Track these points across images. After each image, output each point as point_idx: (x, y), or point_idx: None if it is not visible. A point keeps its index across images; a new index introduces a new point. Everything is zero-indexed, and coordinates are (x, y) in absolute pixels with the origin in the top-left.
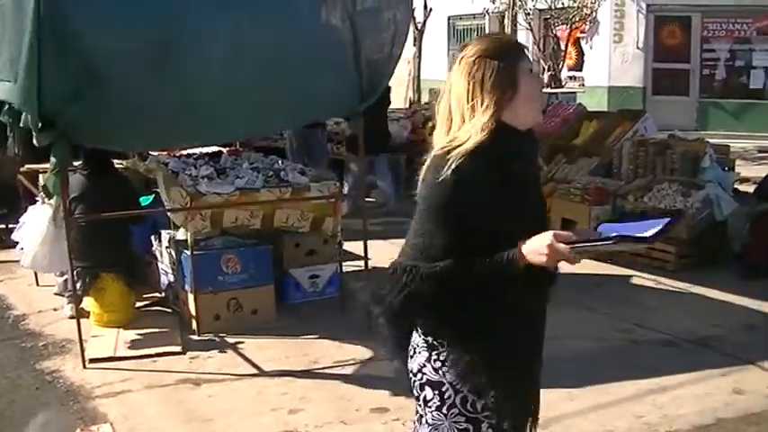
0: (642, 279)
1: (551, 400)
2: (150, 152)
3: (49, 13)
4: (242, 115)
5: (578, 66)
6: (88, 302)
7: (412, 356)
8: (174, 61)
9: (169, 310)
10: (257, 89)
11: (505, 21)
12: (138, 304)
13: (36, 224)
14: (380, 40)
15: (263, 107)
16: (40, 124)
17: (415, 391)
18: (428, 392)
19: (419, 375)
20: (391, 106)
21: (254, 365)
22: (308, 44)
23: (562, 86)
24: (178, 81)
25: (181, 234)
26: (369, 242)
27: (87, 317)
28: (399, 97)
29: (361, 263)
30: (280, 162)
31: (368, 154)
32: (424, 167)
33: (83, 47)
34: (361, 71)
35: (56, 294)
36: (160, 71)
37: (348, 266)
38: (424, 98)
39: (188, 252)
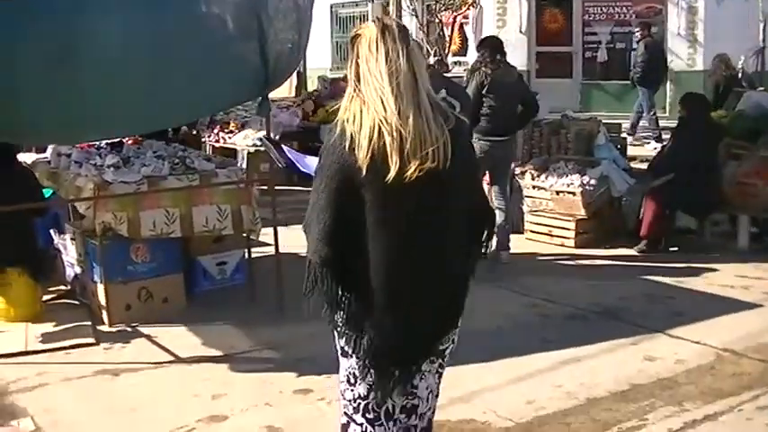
0: (545, 256)
1: (469, 375)
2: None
3: None
4: (140, 111)
5: (463, 51)
6: None
7: None
8: (72, 59)
9: (77, 303)
10: (154, 84)
11: (390, 7)
12: (45, 298)
13: None
14: (286, 28)
15: (162, 102)
16: None
17: None
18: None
19: None
20: (277, 94)
21: (171, 353)
22: (206, 37)
23: (449, 71)
24: (75, 79)
25: (87, 224)
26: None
27: None
28: (284, 86)
29: (266, 249)
30: (183, 150)
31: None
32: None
33: None
34: (267, 61)
35: None
36: (58, 69)
37: (255, 253)
38: (311, 86)
39: (96, 243)
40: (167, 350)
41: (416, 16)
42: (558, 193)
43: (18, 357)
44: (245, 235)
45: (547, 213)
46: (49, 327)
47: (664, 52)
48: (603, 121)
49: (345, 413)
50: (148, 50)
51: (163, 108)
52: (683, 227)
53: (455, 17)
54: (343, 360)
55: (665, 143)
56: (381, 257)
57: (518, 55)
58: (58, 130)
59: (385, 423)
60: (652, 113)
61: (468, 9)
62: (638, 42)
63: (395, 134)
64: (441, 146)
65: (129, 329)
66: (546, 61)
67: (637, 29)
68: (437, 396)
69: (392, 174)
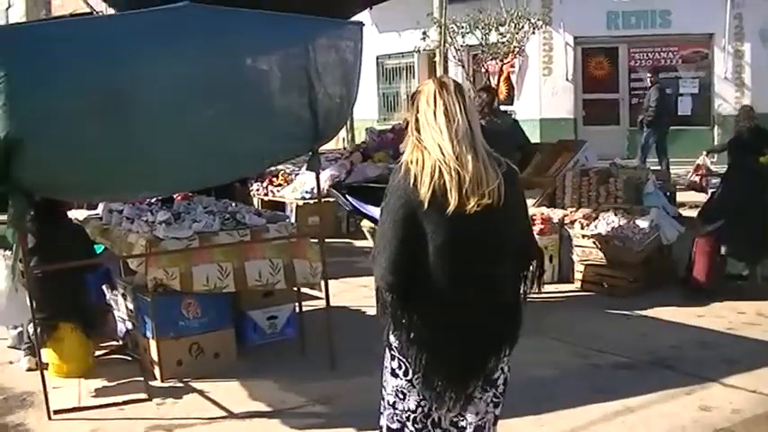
0: (593, 304)
1: (521, 427)
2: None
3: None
4: (191, 166)
5: (509, 100)
6: (47, 354)
7: None
8: (122, 112)
9: (129, 358)
10: (205, 140)
11: (436, 58)
12: (97, 353)
13: None
14: (334, 83)
15: (214, 158)
16: None
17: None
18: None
19: None
20: (325, 147)
21: (224, 409)
22: (257, 92)
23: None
24: (126, 133)
25: (139, 280)
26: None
27: (46, 369)
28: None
29: (316, 302)
30: (233, 204)
31: None
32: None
33: (30, 96)
34: (317, 115)
35: (9, 347)
36: (107, 123)
37: (305, 306)
38: (359, 138)
39: (148, 298)
40: (220, 405)
41: (462, 66)
42: (607, 241)
43: (72, 413)
44: (295, 289)
45: (597, 262)
46: (101, 382)
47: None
48: (653, 167)
49: (397, 420)
50: (199, 104)
51: (215, 163)
52: (734, 273)
53: (501, 66)
54: (391, 378)
55: (714, 189)
56: (441, 284)
57: (564, 102)
58: (108, 187)
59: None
60: (644, 156)
61: (515, 58)
62: (648, 88)
63: (453, 174)
64: (496, 186)
65: (180, 385)
66: (593, 108)
67: (649, 74)
68: (494, 425)
69: (451, 208)
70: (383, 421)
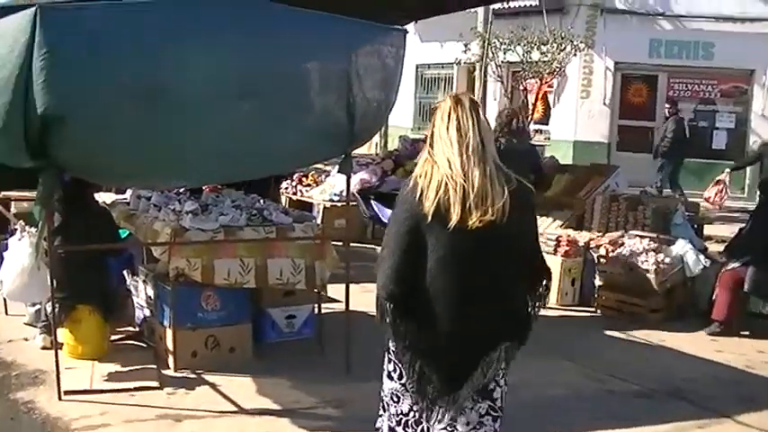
0: (613, 330)
1: None
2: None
3: (45, 40)
4: (225, 159)
5: (545, 119)
6: (62, 334)
7: None
8: (160, 100)
9: (144, 345)
10: (240, 133)
11: (476, 72)
12: (113, 338)
13: (15, 254)
14: (373, 87)
15: (247, 153)
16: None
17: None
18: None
19: None
20: (359, 151)
21: (234, 403)
22: (294, 90)
23: (531, 139)
24: (163, 121)
25: (161, 268)
26: (335, 286)
27: (60, 348)
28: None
29: (336, 305)
30: (261, 201)
31: None
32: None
33: (72, 75)
34: (353, 118)
35: (26, 324)
36: (146, 109)
37: (324, 308)
38: (392, 145)
39: (168, 287)
40: (230, 400)
41: (502, 82)
42: (631, 269)
43: (82, 395)
44: (315, 290)
45: (619, 288)
46: (114, 367)
47: (686, 130)
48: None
49: (388, 425)
50: (237, 99)
51: (248, 158)
52: (756, 311)
53: (540, 85)
54: (387, 381)
55: (743, 225)
56: (440, 296)
57: (600, 126)
58: (141, 173)
59: None
60: (659, 184)
61: (554, 78)
62: (666, 119)
63: (458, 189)
64: (501, 203)
65: (193, 376)
66: (628, 135)
67: (667, 105)
68: None
69: (453, 221)
70: (379, 423)
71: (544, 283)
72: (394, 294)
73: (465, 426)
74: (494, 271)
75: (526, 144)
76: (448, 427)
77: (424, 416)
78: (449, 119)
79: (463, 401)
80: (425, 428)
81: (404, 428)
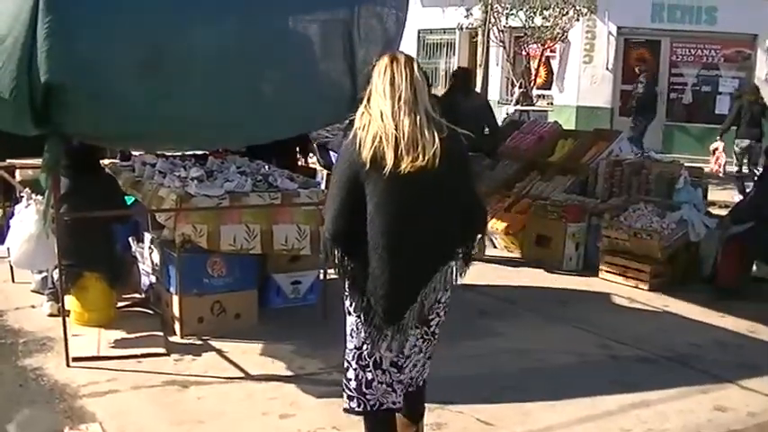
0: (618, 297)
1: (534, 412)
2: (133, 152)
3: (49, 5)
4: (227, 124)
5: (547, 85)
6: (69, 301)
7: None
8: (165, 66)
9: (150, 312)
10: (243, 98)
11: (478, 37)
12: (119, 304)
13: (22, 222)
14: (374, 50)
15: (250, 117)
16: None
17: None
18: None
19: None
20: None
21: (241, 369)
22: (297, 54)
23: (533, 104)
24: (168, 86)
25: (167, 234)
26: None
27: (67, 315)
28: None
29: None
30: (266, 167)
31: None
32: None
33: (76, 41)
34: (356, 81)
35: (33, 291)
36: (151, 76)
37: (330, 274)
38: None
39: (174, 253)
40: (237, 365)
41: (504, 47)
42: (635, 234)
43: (90, 362)
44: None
45: (623, 254)
46: (121, 333)
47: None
48: (685, 163)
49: (346, 359)
50: (238, 63)
51: (251, 123)
52: (760, 276)
53: (543, 51)
54: (348, 318)
55: (749, 191)
56: (378, 236)
57: (603, 92)
58: (146, 138)
59: (373, 370)
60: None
61: (557, 43)
62: (637, 77)
63: (390, 139)
64: (432, 150)
65: (199, 342)
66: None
67: (639, 67)
68: (429, 359)
69: (387, 168)
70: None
71: (477, 226)
72: (337, 235)
73: (410, 349)
74: (428, 213)
75: (482, 101)
76: (397, 358)
77: (374, 344)
78: (384, 74)
79: (408, 331)
80: (378, 359)
81: (357, 362)
